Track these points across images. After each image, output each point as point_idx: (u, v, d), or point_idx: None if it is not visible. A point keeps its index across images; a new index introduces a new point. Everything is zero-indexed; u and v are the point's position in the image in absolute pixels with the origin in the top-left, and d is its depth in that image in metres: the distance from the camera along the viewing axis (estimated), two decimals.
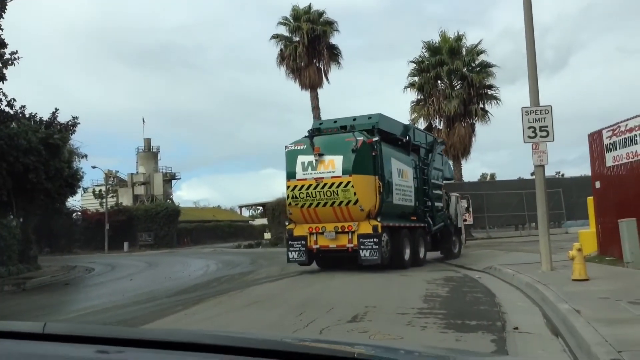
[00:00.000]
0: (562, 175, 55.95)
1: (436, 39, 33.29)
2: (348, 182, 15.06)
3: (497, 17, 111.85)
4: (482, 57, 32.81)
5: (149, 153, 72.33)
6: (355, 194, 15.04)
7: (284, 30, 37.49)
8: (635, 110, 12.87)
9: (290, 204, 16.10)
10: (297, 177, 15.74)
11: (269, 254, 31.84)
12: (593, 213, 16.21)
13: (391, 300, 10.64)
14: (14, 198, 22.48)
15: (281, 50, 37.07)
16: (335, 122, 16.97)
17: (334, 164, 15.14)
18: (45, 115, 23.95)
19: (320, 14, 36.75)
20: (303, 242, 16.05)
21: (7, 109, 21.77)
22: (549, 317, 8.14)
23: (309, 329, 7.84)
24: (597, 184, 15.65)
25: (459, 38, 32.81)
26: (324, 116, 36.92)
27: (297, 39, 36.63)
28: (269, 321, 8.86)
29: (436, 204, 19.34)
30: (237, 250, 41.61)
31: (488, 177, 76.79)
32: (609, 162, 14.70)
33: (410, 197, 17.47)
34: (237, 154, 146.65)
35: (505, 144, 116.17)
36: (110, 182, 62.05)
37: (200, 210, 75.66)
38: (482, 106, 32.72)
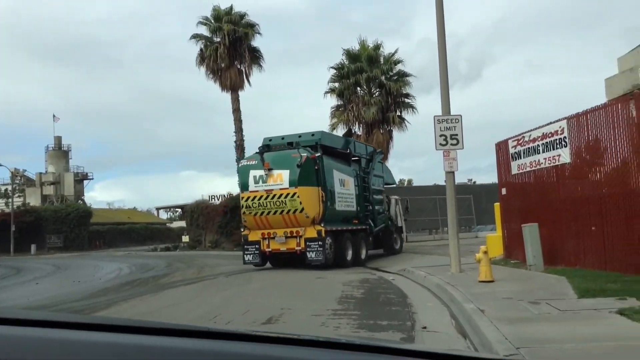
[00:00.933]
0: (474, 182, 58.45)
1: (356, 46, 33.96)
2: (294, 193, 16.79)
3: (416, 28, 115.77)
4: (399, 67, 33.78)
5: (60, 152, 69.07)
6: (301, 203, 16.79)
7: (204, 30, 37.05)
8: (542, 121, 13.71)
9: (244, 212, 17.74)
10: (250, 189, 17.42)
11: (186, 257, 31.27)
12: (499, 218, 17.08)
13: (307, 302, 10.74)
14: None
15: (201, 50, 36.53)
16: (282, 138, 18.43)
17: (282, 177, 16.96)
18: None
19: (242, 15, 36.52)
20: (257, 246, 17.70)
21: None
22: (456, 316, 8.51)
23: None
24: (503, 191, 16.53)
25: (377, 47, 33.59)
26: (246, 119, 37.01)
27: (218, 39, 36.23)
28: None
29: (377, 207, 21.12)
30: (153, 253, 40.55)
31: (406, 183, 78.96)
32: (514, 170, 15.56)
33: (352, 203, 19.32)
34: (157, 154, 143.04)
35: (422, 150, 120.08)
36: (17, 182, 58.77)
37: (114, 212, 73.09)
38: (399, 114, 33.65)
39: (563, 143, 13.19)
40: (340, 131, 33.76)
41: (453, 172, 13.83)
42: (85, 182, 71.36)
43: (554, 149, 13.55)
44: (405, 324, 8.11)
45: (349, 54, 33.62)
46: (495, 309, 7.98)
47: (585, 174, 12.61)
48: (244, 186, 17.69)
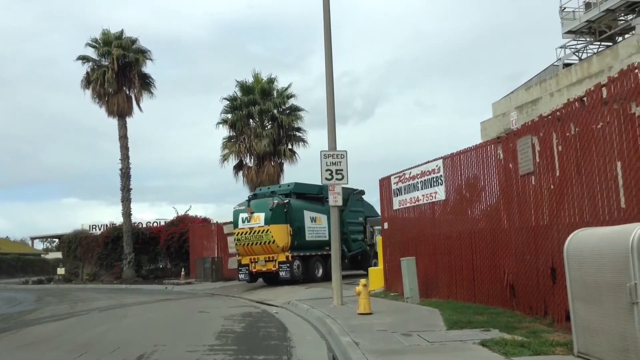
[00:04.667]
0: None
1: (249, 78, 34.08)
2: (268, 230, 22.18)
3: (314, 63, 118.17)
4: (292, 101, 34.14)
5: None
6: (272, 236, 22.07)
7: (92, 53, 35.62)
8: (426, 159, 14.37)
9: (237, 244, 23.42)
10: (239, 227, 23.09)
11: (60, 291, 29.31)
12: (381, 252, 17.60)
13: (183, 338, 10.37)
14: None
15: (87, 73, 35.02)
16: (268, 188, 25.25)
17: (260, 218, 22.42)
18: None
19: (134, 41, 35.55)
20: (247, 267, 23.05)
21: None
22: (333, 349, 8.58)
23: None
24: (385, 225, 17.10)
25: (271, 80, 33.89)
26: (136, 145, 36.06)
27: (107, 63, 34.96)
28: None
29: (353, 236, 25.74)
30: (23, 286, 37.60)
31: None
32: (396, 206, 16.17)
33: (325, 233, 23.46)
34: (36, 179, 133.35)
35: (314, 183, 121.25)
36: None
37: None
38: (290, 147, 33.95)
39: (439, 181, 13.90)
40: (231, 162, 33.53)
41: (338, 206, 14.13)
42: None
43: (431, 187, 14.24)
44: (281, 358, 8.05)
45: (242, 87, 33.63)
46: (370, 341, 8.14)
47: (458, 210, 13.32)
48: (235, 224, 23.41)
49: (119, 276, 34.77)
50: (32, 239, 72.56)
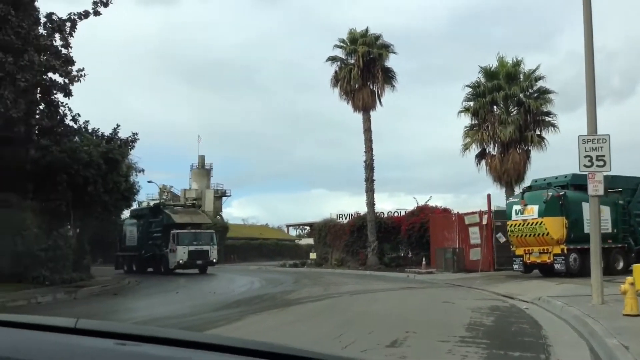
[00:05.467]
0: None
1: (493, 63, 32.82)
2: (541, 222, 22.10)
3: (561, 41, 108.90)
4: (540, 83, 32.03)
5: (202, 170, 73.85)
6: (546, 229, 21.96)
7: (339, 53, 37.75)
8: None
9: (510, 235, 23.99)
10: (512, 219, 23.48)
11: (313, 274, 31.87)
12: None
13: (433, 327, 10.42)
14: (72, 209, 23.35)
15: (336, 72, 37.25)
16: (544, 180, 24.62)
17: (533, 210, 22.43)
18: (107, 131, 24.94)
19: (377, 37, 36.81)
20: (521, 259, 23.21)
21: (71, 123, 22.73)
22: (596, 351, 7.83)
23: (348, 350, 7.78)
24: None
25: (517, 63, 32.15)
26: (375, 138, 37.19)
27: (352, 61, 36.77)
28: (307, 340, 8.83)
29: None
30: (282, 269, 41.75)
31: None
32: None
33: (607, 226, 21.99)
34: (288, 172, 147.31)
35: (563, 171, 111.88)
36: (164, 197, 63.57)
37: (248, 228, 76.36)
38: (538, 133, 31.88)
39: None
40: (472, 151, 32.76)
41: (598, 197, 12.81)
42: (223, 198, 75.57)
43: None
44: (539, 356, 7.60)
45: (486, 72, 32.51)
46: None
47: None
48: (508, 216, 23.99)
49: (364, 263, 36.46)
50: (287, 226, 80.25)
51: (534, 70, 31.92)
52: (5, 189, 21.66)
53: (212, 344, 1.59)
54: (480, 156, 32.78)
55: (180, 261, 32.86)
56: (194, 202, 38.45)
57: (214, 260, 35.60)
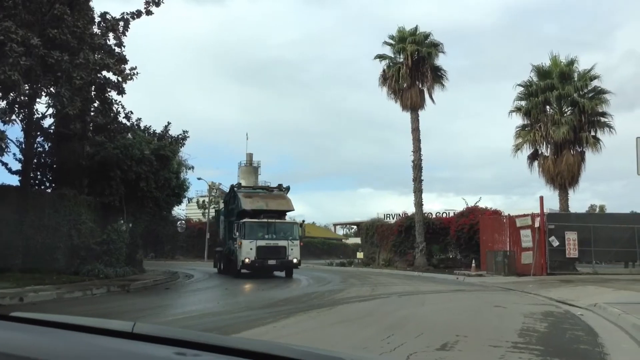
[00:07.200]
0: None
1: (546, 62, 32.02)
2: None
3: (619, 38, 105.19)
4: (595, 83, 31.12)
5: (250, 167, 74.82)
6: None
7: (388, 51, 37.57)
8: None
9: None
10: None
11: (360, 274, 31.73)
12: None
13: (483, 331, 10.20)
14: (125, 204, 24.09)
15: (384, 70, 37.08)
16: None
17: None
18: (158, 128, 25.68)
19: (427, 36, 36.43)
20: None
21: (124, 120, 23.57)
22: None
23: (397, 353, 7.69)
24: None
25: (570, 62, 31.31)
26: (424, 137, 36.80)
27: (401, 59, 36.49)
28: (355, 341, 8.79)
29: None
30: (329, 267, 41.79)
31: (597, 209, 72.10)
32: None
33: None
34: (336, 170, 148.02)
35: (620, 174, 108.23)
36: (213, 194, 64.62)
37: None
38: (593, 134, 30.92)
39: None
40: (524, 152, 32.03)
41: None
42: None
43: None
44: None
45: (539, 71, 31.78)
46: None
47: None
48: None
49: (412, 263, 36.15)
50: (334, 225, 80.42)
51: (589, 70, 31.12)
52: (62, 184, 22.52)
53: (276, 355, 1.55)
54: (533, 157, 32.05)
55: (246, 260, 25.49)
56: (280, 184, 30.53)
57: (295, 261, 26.82)
